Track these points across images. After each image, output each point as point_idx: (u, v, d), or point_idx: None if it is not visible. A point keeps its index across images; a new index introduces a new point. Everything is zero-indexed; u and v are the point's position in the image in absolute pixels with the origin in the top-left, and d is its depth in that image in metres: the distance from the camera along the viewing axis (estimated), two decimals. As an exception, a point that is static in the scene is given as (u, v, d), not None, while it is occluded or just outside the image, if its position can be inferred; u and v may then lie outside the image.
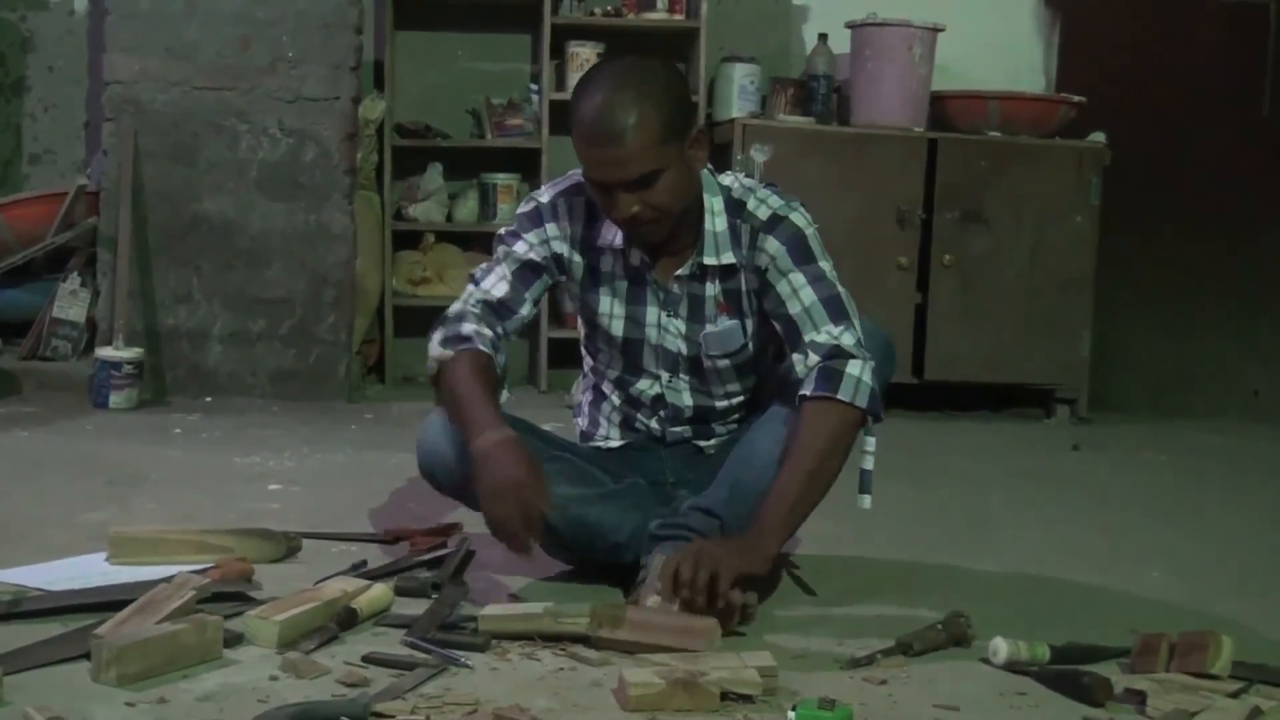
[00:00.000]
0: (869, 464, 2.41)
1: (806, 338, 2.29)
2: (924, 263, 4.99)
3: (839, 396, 2.24)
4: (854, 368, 2.25)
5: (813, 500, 2.27)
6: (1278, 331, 5.22)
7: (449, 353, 2.31)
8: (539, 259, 2.42)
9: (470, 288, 2.42)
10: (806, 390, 2.26)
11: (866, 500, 2.43)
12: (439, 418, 2.38)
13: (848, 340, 2.28)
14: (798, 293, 2.33)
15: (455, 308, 2.39)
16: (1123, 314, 5.37)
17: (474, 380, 2.27)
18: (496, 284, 2.40)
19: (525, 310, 2.41)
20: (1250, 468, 4.36)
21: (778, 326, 2.36)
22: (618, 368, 2.50)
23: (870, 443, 2.39)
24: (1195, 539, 3.24)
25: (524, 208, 2.46)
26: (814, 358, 2.27)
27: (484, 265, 2.45)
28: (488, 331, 2.35)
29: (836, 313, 2.31)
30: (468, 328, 2.34)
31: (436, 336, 2.35)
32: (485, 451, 2.17)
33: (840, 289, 2.34)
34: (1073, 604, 2.55)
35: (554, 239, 2.42)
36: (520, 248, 2.41)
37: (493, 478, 2.15)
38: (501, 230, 2.47)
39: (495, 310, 2.38)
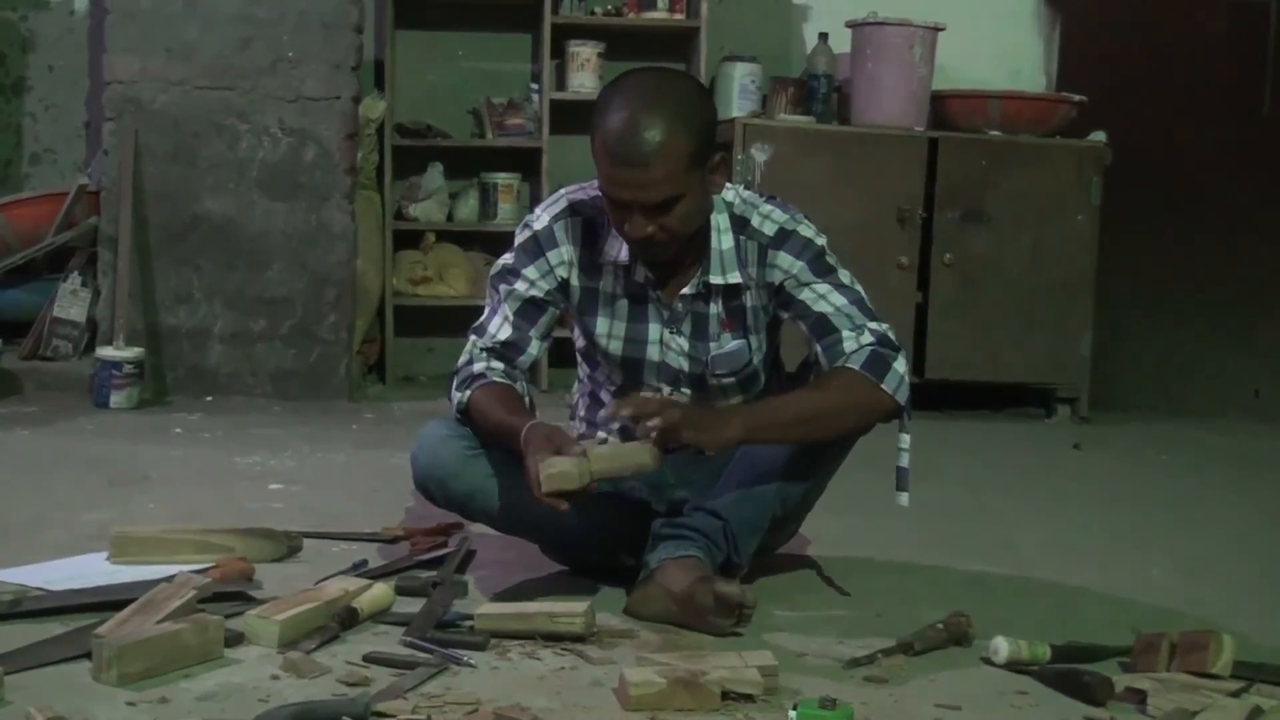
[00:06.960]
0: (905, 461, 2.39)
1: (850, 328, 2.29)
2: (924, 262, 4.98)
3: (882, 386, 2.25)
4: (900, 364, 2.28)
5: (793, 436, 2.27)
6: (1277, 330, 5.22)
7: (466, 394, 2.31)
8: (542, 294, 2.37)
9: (472, 338, 2.39)
10: (854, 364, 2.26)
11: (905, 498, 2.40)
12: (433, 431, 2.37)
13: (892, 335, 2.31)
14: (825, 297, 2.33)
15: (462, 359, 2.38)
16: (1123, 313, 5.37)
17: (497, 403, 2.28)
18: (500, 328, 2.37)
19: (534, 348, 2.38)
20: (1251, 466, 4.36)
21: (803, 326, 2.35)
22: (617, 380, 2.48)
23: (905, 440, 2.38)
24: (1196, 538, 3.24)
25: (520, 237, 2.41)
26: (868, 337, 2.28)
27: (485, 308, 2.42)
28: (499, 365, 2.35)
29: (869, 314, 2.33)
30: (478, 367, 2.34)
31: (452, 387, 2.35)
32: (524, 438, 2.15)
33: (864, 293, 2.35)
34: (1073, 603, 2.55)
35: (558, 266, 2.38)
36: (521, 286, 2.37)
37: (531, 444, 2.13)
38: (498, 265, 2.42)
39: (503, 354, 2.36)
